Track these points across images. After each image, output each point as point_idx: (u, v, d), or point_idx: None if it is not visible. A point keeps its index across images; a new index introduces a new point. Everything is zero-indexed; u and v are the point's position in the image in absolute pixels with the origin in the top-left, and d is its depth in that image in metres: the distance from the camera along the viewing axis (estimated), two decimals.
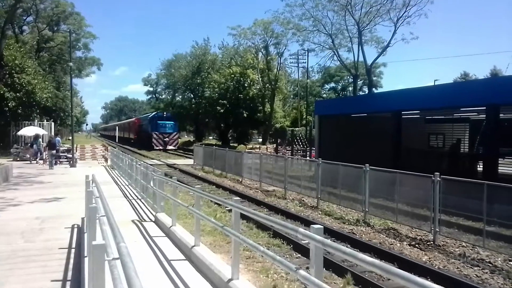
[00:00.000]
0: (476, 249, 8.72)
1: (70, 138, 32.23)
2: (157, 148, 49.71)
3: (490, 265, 7.90)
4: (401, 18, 42.62)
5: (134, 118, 76.95)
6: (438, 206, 9.23)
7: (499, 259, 8.16)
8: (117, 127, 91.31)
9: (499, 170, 14.40)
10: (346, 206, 12.81)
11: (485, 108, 14.61)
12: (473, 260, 8.16)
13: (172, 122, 53.21)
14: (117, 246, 2.98)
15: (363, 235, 10.12)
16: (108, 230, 3.95)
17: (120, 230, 3.62)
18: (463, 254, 8.49)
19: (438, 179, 9.21)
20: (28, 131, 30.84)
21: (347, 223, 11.48)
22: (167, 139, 51.17)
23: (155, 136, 50.79)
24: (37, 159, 27.43)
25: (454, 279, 6.82)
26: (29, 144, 29.48)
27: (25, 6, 46.19)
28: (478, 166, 17.04)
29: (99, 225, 4.78)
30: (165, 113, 57.33)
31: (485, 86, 14.91)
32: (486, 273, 7.50)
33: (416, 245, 9.21)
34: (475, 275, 7.37)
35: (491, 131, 14.11)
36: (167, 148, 50.04)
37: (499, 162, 14.83)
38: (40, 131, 31.62)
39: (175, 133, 53.28)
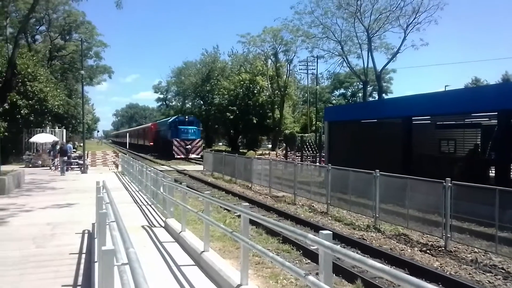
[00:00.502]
0: (488, 255, 8.60)
1: (82, 144, 32.55)
2: (178, 157, 44.04)
3: (503, 271, 7.79)
4: (410, 25, 42.47)
5: (150, 124, 69.90)
6: (449, 212, 9.13)
7: None
8: (127, 134, 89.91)
9: (511, 176, 14.23)
10: (356, 212, 12.73)
11: (496, 113, 14.46)
12: (485, 266, 8.05)
13: (195, 127, 47.20)
14: (126, 251, 3.00)
15: (374, 241, 10.04)
16: (118, 235, 3.97)
17: (130, 235, 3.64)
18: (475, 260, 8.38)
19: (449, 184, 9.12)
20: (40, 138, 31.19)
21: (357, 229, 11.40)
22: (189, 146, 45.01)
23: (176, 143, 44.72)
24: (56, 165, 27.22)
25: (466, 285, 6.73)
26: (48, 151, 29.62)
27: (38, 16, 46.98)
28: (490, 171, 16.84)
29: (109, 231, 4.81)
30: (187, 116, 50.32)
31: (496, 91, 14.78)
32: (499, 279, 7.39)
33: (427, 251, 9.11)
34: (487, 281, 7.27)
35: (503, 136, 13.96)
36: (189, 156, 44.63)
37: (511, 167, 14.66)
38: (52, 138, 31.97)
39: (199, 139, 47.06)
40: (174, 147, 44.34)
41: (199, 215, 8.14)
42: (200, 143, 47.03)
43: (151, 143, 58.26)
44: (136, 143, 76.28)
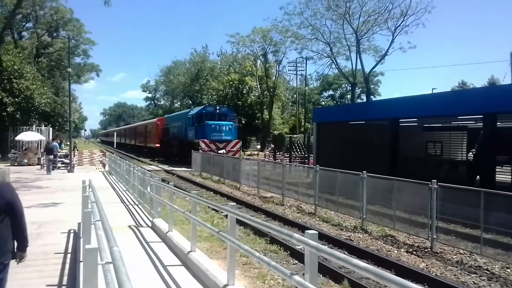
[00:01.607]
0: (473, 256, 8.69)
1: (68, 143, 32.22)
2: None
3: (488, 272, 7.88)
4: (398, 27, 42.89)
5: (155, 119, 53.76)
6: (435, 213, 9.21)
7: (497, 266, 8.14)
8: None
9: (496, 178, 14.41)
10: (343, 213, 12.78)
11: (482, 116, 14.64)
12: (470, 267, 8.14)
13: (230, 123, 33.41)
14: (110, 250, 2.97)
15: (361, 242, 10.09)
16: (103, 234, 3.93)
17: (117, 235, 3.61)
18: (461, 261, 8.47)
19: (435, 186, 9.20)
20: (26, 136, 30.81)
21: (344, 229, 11.45)
22: (223, 150, 30.71)
23: (204, 146, 30.56)
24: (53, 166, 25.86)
25: (452, 286, 6.80)
26: (43, 152, 28.34)
27: (24, 12, 46.45)
28: (476, 174, 17.04)
29: (94, 230, 4.76)
30: (218, 107, 35.71)
31: (482, 95, 14.97)
32: (484, 280, 7.47)
33: (414, 252, 9.19)
34: (472, 282, 7.35)
35: (488, 139, 14.14)
36: None
37: (497, 170, 14.84)
38: (38, 136, 31.59)
39: (236, 141, 32.71)
40: (200, 151, 29.53)
41: (186, 215, 8.09)
42: (238, 145, 32.34)
43: (157, 145, 44.94)
44: (132, 144, 63.79)
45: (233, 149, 31.13)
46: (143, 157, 45.61)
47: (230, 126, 32.64)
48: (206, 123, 31.98)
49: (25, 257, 4.41)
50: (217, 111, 33.53)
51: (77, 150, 35.32)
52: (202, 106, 38.52)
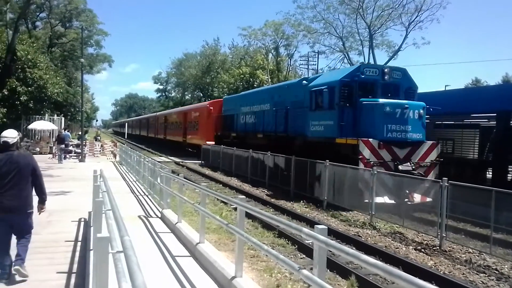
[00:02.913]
0: (482, 255, 8.63)
1: (80, 133, 32.52)
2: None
3: (497, 272, 7.82)
4: (412, 23, 42.39)
5: (205, 103, 37.50)
6: (445, 212, 9.16)
7: (506, 266, 8.08)
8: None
9: (508, 177, 14.27)
10: (352, 208, 12.74)
11: (495, 114, 14.47)
12: (479, 267, 8.08)
13: (421, 104, 14.35)
14: (121, 239, 3.00)
15: (369, 238, 10.07)
16: (114, 224, 3.98)
17: (126, 225, 3.64)
18: (469, 260, 8.41)
19: (446, 184, 9.14)
20: (38, 125, 31.13)
21: (353, 225, 11.43)
22: (408, 163, 13.25)
23: (370, 151, 13.23)
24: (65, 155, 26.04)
25: (460, 285, 6.76)
26: (55, 141, 28.18)
27: (38, 2, 46.70)
28: (487, 173, 16.88)
29: (105, 219, 4.81)
30: (387, 68, 15.44)
31: (496, 92, 14.82)
32: (492, 279, 7.42)
33: (422, 250, 9.15)
34: (480, 282, 7.31)
35: (501, 138, 13.96)
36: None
37: (509, 169, 14.68)
38: (51, 126, 31.91)
39: (431, 143, 14.13)
40: (361, 164, 13.07)
41: (195, 206, 8.15)
42: (433, 153, 14.04)
43: (210, 142, 29.33)
44: (160, 138, 49.94)
45: (425, 162, 13.76)
46: (183, 157, 32.72)
47: (420, 111, 14.18)
48: (367, 102, 14.39)
49: (44, 208, 6.18)
50: (385, 77, 14.97)
51: (99, 141, 35.51)
52: (359, 64, 21.36)
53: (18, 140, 5.72)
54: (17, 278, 5.51)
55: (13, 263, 5.49)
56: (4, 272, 5.45)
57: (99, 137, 38.10)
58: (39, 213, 6.04)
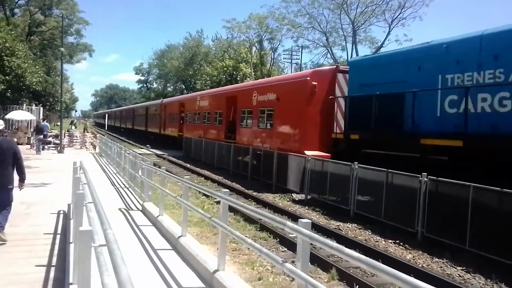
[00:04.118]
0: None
1: (59, 124, 31.94)
2: None
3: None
4: (395, 20, 42.96)
5: (304, 72, 24.46)
6: (423, 206, 9.26)
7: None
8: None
9: None
10: (334, 202, 12.83)
11: None
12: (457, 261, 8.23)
13: None
14: (104, 233, 2.97)
15: (349, 232, 10.18)
16: (95, 216, 3.93)
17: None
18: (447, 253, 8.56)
19: (426, 179, 9.25)
20: (16, 115, 30.48)
21: (333, 219, 11.52)
22: None
23: None
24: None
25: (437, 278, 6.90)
26: (33, 132, 27.74)
27: None
28: None
29: (85, 212, 4.75)
30: None
31: None
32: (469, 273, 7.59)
33: (401, 244, 9.27)
34: (457, 275, 7.47)
35: None
36: None
37: None
38: (29, 116, 31.29)
39: None
40: None
41: (177, 199, 8.10)
42: None
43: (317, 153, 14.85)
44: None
45: None
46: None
47: None
48: None
49: (24, 186, 7.34)
50: None
51: (88, 132, 34.92)
52: None
53: (2, 128, 7.06)
54: None
55: None
56: None
57: (86, 128, 37.51)
58: (20, 190, 7.27)
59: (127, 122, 60.49)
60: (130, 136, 51.59)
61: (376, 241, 9.43)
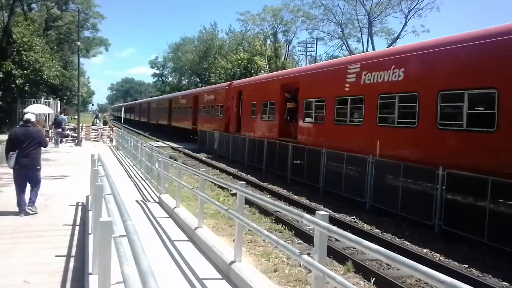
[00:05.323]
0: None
1: (76, 117, 32.35)
2: None
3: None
4: (412, 10, 42.19)
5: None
6: (441, 199, 9.18)
7: None
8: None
9: None
10: (349, 194, 12.77)
11: None
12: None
13: None
14: (124, 223, 3.00)
15: (365, 225, 10.13)
16: (114, 208, 3.97)
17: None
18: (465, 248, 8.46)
19: (443, 173, 9.16)
20: (34, 108, 30.90)
21: (349, 212, 11.47)
22: None
23: None
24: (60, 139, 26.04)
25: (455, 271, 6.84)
26: (51, 125, 28.00)
27: None
28: None
29: (104, 203, 4.81)
30: None
31: None
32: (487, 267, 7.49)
33: (418, 237, 9.20)
34: (475, 269, 7.38)
35: None
36: None
37: None
38: (47, 109, 31.73)
39: None
40: None
41: (194, 191, 8.16)
42: None
43: None
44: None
45: None
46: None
47: None
48: None
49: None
50: None
51: (109, 126, 35.23)
52: None
53: (33, 120, 8.74)
54: (31, 213, 8.22)
55: (28, 204, 8.22)
56: (22, 209, 8.12)
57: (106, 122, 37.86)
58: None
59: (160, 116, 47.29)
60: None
61: (392, 234, 9.37)
